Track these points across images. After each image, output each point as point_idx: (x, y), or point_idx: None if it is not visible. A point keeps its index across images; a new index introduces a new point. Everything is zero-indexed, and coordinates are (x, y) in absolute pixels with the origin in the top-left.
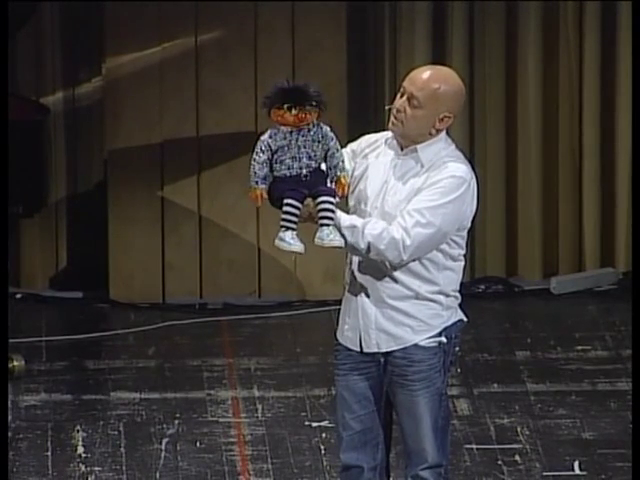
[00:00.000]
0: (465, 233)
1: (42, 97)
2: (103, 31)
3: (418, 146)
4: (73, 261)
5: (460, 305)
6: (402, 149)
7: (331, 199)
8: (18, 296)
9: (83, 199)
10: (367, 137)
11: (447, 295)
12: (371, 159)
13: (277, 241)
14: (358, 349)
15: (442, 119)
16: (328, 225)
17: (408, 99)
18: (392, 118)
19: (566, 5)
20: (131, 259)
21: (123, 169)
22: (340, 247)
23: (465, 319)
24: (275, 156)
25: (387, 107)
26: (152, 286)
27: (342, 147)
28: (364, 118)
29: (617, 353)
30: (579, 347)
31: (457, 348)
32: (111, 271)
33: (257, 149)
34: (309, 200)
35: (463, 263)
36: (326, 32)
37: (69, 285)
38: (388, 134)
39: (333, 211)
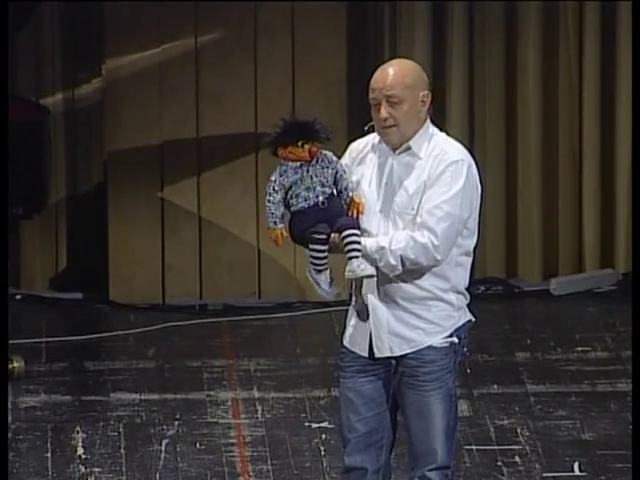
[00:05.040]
0: (476, 215)
1: (42, 98)
2: (103, 32)
3: (410, 142)
4: (73, 262)
5: (468, 305)
6: (394, 150)
7: (356, 231)
8: (18, 297)
9: (83, 200)
10: (354, 145)
11: (458, 292)
12: (365, 164)
13: (312, 281)
14: (367, 355)
15: (422, 101)
16: (357, 257)
17: (386, 103)
18: (384, 130)
19: (566, 5)
20: (131, 260)
21: (123, 170)
22: (373, 275)
23: (473, 319)
24: (290, 192)
25: (366, 127)
26: (152, 287)
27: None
28: (364, 118)
29: (617, 354)
30: (579, 348)
31: (465, 348)
32: (111, 272)
33: (269, 190)
34: (334, 236)
35: (471, 259)
36: (326, 32)
37: (69, 286)
38: (375, 138)
39: (359, 242)
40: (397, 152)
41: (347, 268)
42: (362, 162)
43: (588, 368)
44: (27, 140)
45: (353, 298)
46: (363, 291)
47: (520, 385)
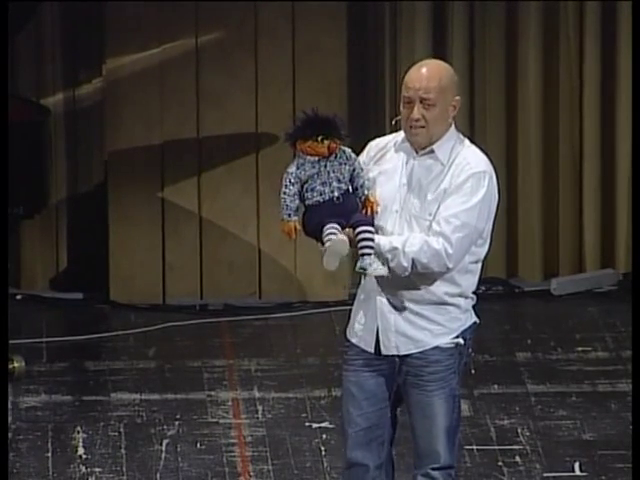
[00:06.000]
0: (491, 225)
1: (43, 98)
2: (103, 32)
3: (434, 146)
4: (73, 262)
5: (473, 306)
6: (417, 151)
7: (370, 228)
8: (18, 297)
9: (83, 200)
10: (374, 143)
11: (466, 297)
12: (383, 163)
13: (326, 263)
14: (373, 350)
15: (453, 105)
16: (370, 254)
17: (421, 103)
18: (412, 130)
19: (566, 5)
20: (131, 260)
21: (123, 170)
22: (384, 275)
23: (478, 321)
24: (305, 186)
25: (394, 121)
26: (152, 287)
27: None
28: (364, 119)
29: (617, 354)
30: (579, 348)
31: (470, 349)
32: (111, 272)
33: (285, 182)
34: (348, 231)
35: (481, 265)
36: (326, 33)
37: (69, 286)
38: (396, 137)
39: (372, 240)
40: (420, 154)
41: (358, 264)
42: (381, 160)
43: (588, 368)
44: (28, 140)
45: (361, 294)
46: (373, 289)
47: (521, 385)
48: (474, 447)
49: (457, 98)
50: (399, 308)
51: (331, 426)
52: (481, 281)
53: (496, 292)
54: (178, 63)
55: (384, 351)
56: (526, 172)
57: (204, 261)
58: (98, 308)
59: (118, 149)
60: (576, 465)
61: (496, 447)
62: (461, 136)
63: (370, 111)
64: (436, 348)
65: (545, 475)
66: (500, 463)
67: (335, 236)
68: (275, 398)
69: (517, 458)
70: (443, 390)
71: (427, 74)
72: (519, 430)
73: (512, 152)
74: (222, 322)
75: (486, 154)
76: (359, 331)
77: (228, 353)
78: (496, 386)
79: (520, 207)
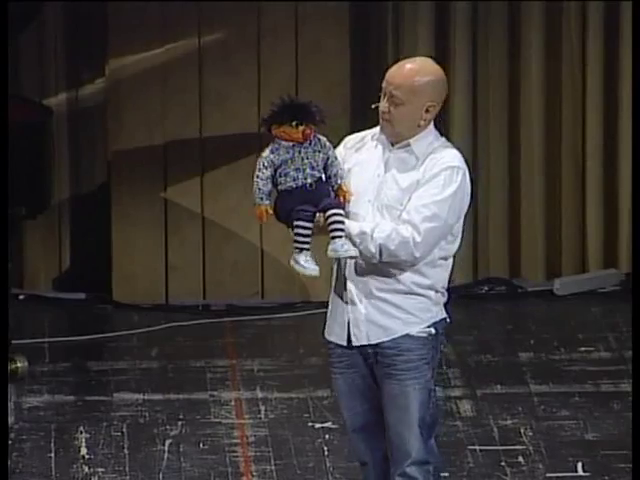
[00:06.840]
0: (462, 222)
1: (45, 98)
2: (106, 32)
3: (410, 140)
4: (76, 262)
5: (445, 305)
6: (393, 144)
7: (340, 211)
8: (21, 297)
9: (86, 200)
10: (352, 137)
11: (436, 291)
12: (360, 154)
13: (292, 262)
14: (345, 343)
15: (427, 109)
16: (340, 237)
17: (389, 99)
18: (380, 121)
19: (569, 5)
20: (134, 260)
21: (126, 170)
22: (355, 257)
23: (449, 319)
24: (279, 170)
25: (373, 106)
26: (155, 287)
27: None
28: (367, 119)
29: (620, 354)
30: (582, 348)
31: (443, 345)
32: (114, 272)
33: (259, 166)
34: (319, 216)
35: (452, 262)
36: (329, 33)
37: (72, 286)
38: (375, 130)
39: (343, 222)
40: (396, 147)
41: (330, 247)
42: (358, 151)
43: (591, 368)
44: (30, 140)
45: (333, 289)
46: (342, 282)
47: (523, 385)
48: (477, 447)
49: (432, 104)
50: (368, 296)
51: (334, 426)
52: (484, 281)
53: (499, 292)
54: (181, 63)
55: (355, 342)
56: (529, 172)
57: (207, 261)
58: (101, 308)
59: (121, 149)
60: (579, 465)
61: (499, 447)
62: (443, 139)
63: (372, 112)
64: (408, 336)
65: (548, 475)
66: (503, 463)
67: (304, 260)
68: (278, 398)
69: (520, 458)
70: (417, 380)
71: (404, 72)
72: (522, 430)
73: (515, 151)
74: (225, 322)
75: (462, 154)
76: (331, 326)
77: (231, 353)
78: (499, 386)
79: (523, 207)
